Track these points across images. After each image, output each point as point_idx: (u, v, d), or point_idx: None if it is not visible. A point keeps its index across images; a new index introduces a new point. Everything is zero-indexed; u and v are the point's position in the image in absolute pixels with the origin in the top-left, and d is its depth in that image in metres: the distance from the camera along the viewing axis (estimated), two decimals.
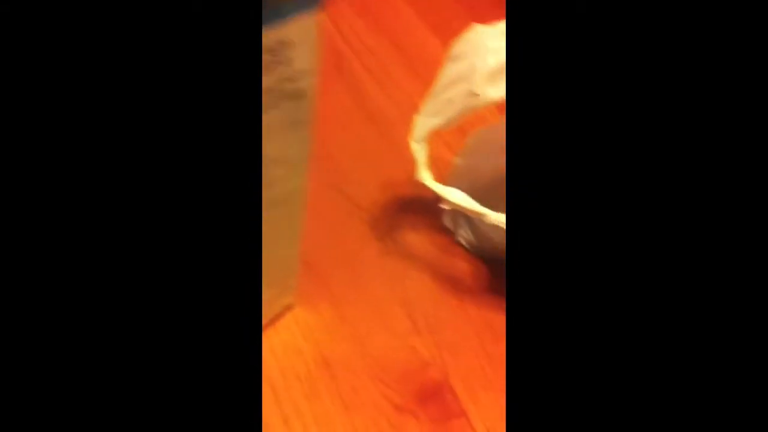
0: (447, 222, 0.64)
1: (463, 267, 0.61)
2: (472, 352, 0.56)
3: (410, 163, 0.66)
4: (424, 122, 0.57)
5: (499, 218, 0.54)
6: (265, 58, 0.40)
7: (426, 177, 0.56)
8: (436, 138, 0.58)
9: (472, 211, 0.55)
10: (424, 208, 0.63)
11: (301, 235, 0.54)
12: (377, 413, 0.53)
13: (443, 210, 0.64)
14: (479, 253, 0.62)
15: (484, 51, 0.54)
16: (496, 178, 0.62)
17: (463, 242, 0.62)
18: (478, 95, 0.54)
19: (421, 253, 0.62)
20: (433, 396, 0.54)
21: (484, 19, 0.57)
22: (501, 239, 0.55)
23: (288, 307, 0.57)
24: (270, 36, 0.40)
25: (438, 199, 0.57)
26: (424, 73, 0.73)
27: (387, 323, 0.58)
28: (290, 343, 0.56)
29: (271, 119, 0.43)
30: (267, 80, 0.41)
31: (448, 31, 0.62)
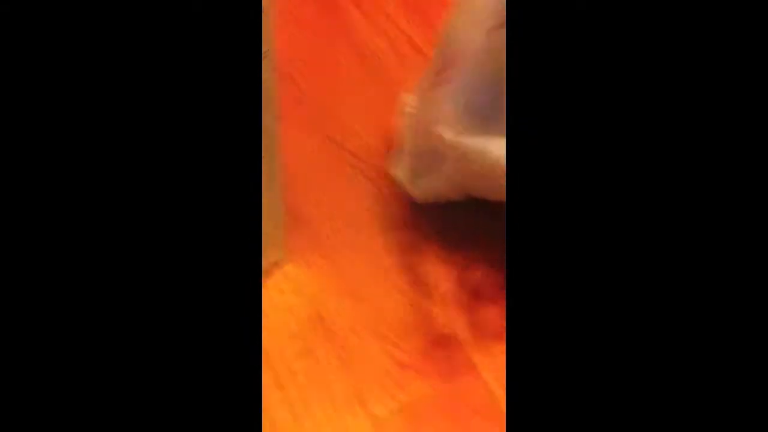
0: (398, 173, 0.57)
1: (463, 211, 0.56)
2: (480, 301, 0.52)
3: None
4: None
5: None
6: None
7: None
8: None
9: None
10: None
11: (283, 183, 0.50)
12: (379, 371, 0.49)
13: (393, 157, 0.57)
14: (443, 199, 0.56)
15: None
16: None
17: (420, 193, 0.56)
18: None
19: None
20: (440, 350, 0.50)
21: None
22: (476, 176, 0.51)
23: (276, 263, 0.53)
24: None
25: None
26: (420, 10, 0.68)
27: (386, 275, 0.53)
28: (281, 301, 0.52)
29: None
30: None
31: None
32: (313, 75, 0.65)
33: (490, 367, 0.49)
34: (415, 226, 0.56)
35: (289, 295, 0.52)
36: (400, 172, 0.56)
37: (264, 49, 0.42)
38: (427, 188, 0.55)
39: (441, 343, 0.50)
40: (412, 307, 0.52)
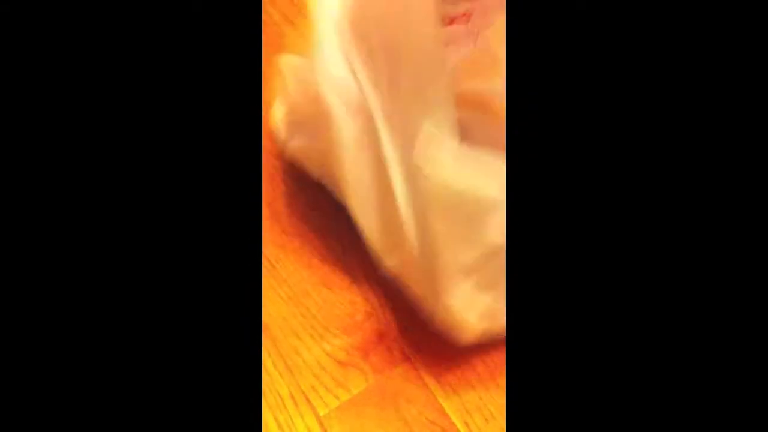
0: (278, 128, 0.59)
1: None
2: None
3: None
4: None
5: None
6: None
7: None
8: None
9: None
10: None
11: None
12: (321, 371, 0.53)
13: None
14: None
15: None
16: None
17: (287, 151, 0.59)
18: None
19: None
20: (377, 346, 0.54)
21: None
22: None
23: None
24: None
25: None
26: None
27: (324, 279, 0.57)
28: None
29: None
30: None
31: None
32: None
33: (425, 357, 0.54)
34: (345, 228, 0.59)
35: None
36: (279, 126, 0.59)
37: None
38: (293, 149, 0.58)
39: (377, 339, 0.55)
40: (349, 306, 0.56)
